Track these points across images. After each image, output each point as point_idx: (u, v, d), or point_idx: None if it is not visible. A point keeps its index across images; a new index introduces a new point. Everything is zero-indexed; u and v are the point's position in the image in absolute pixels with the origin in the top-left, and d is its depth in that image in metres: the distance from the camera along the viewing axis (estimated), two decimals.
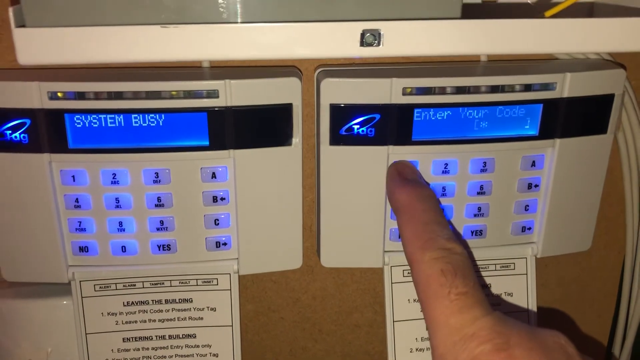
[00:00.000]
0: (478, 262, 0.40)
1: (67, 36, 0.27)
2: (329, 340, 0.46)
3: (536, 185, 0.38)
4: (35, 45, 0.27)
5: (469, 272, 0.28)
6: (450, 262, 0.28)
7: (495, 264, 0.40)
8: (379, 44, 0.28)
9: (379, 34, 0.28)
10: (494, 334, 0.24)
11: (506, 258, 0.40)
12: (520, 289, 0.40)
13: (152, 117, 0.34)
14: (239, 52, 0.28)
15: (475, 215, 0.38)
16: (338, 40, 0.28)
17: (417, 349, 0.40)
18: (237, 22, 0.29)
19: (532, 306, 0.40)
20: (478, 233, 0.39)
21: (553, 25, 0.29)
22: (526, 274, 0.40)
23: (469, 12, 0.29)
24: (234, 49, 0.28)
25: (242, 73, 0.35)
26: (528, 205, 0.39)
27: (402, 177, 0.35)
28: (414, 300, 0.39)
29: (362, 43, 0.28)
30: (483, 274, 0.40)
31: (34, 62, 0.27)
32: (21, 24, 0.27)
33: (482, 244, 0.39)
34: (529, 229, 0.39)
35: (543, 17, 0.30)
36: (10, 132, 0.33)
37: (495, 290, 0.40)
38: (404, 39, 0.28)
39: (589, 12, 0.37)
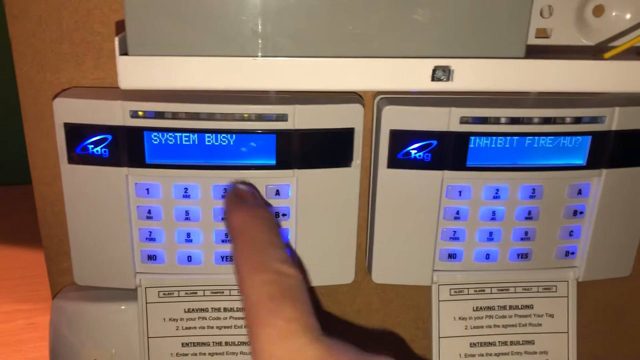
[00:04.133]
0: (522, 284, 0.41)
1: (166, 64, 0.29)
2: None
3: (581, 212, 0.40)
4: (136, 71, 0.29)
5: (300, 295, 0.26)
6: (281, 286, 0.26)
7: (538, 286, 0.42)
8: (448, 79, 0.30)
9: (450, 70, 0.30)
10: None
11: (549, 280, 0.42)
12: (561, 311, 0.42)
13: (224, 137, 0.36)
14: (324, 84, 0.31)
15: (522, 239, 0.40)
16: (411, 75, 0.30)
17: None
18: (325, 57, 0.31)
19: (572, 328, 0.42)
20: (524, 256, 0.40)
21: (613, 66, 0.31)
22: (567, 297, 0.42)
23: (531, 52, 0.32)
24: (319, 81, 0.30)
25: (307, 98, 0.37)
26: (572, 231, 0.40)
27: (239, 198, 0.33)
28: (459, 318, 0.41)
29: (433, 78, 0.30)
30: (526, 295, 0.42)
31: (133, 86, 0.30)
32: (124, 52, 0.29)
33: (526, 267, 0.41)
34: (572, 253, 0.41)
35: (602, 58, 0.32)
36: (92, 146, 0.36)
37: (537, 311, 0.42)
38: (472, 75, 0.30)
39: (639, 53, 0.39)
